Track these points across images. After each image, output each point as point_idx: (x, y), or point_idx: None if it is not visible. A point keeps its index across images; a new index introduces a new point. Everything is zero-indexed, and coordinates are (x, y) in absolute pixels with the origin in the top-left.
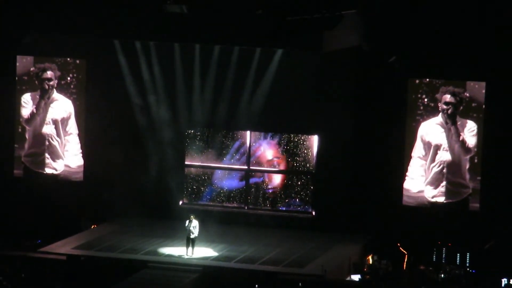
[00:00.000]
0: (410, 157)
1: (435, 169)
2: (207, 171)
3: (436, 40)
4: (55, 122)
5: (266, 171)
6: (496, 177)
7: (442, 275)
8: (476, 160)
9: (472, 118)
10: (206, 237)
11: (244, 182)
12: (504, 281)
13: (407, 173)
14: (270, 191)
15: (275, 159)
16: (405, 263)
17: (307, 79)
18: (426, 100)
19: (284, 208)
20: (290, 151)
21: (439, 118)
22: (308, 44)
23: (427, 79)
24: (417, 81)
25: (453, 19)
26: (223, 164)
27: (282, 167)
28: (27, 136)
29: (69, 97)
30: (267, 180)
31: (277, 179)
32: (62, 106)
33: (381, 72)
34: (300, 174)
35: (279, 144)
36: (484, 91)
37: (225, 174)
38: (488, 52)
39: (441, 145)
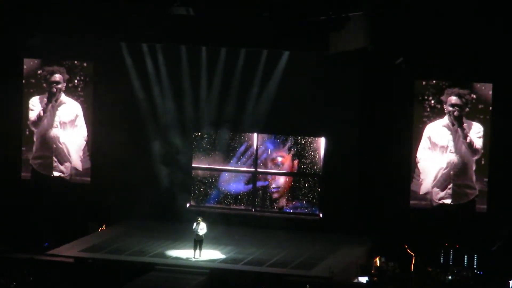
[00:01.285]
0: (416, 159)
1: (442, 171)
2: (214, 173)
3: (443, 41)
4: (62, 125)
5: (273, 173)
6: (503, 179)
7: (450, 277)
8: (483, 161)
9: (479, 120)
10: (213, 239)
11: (249, 186)
12: (511, 282)
13: (413, 175)
14: (275, 189)
15: (279, 157)
16: (412, 265)
17: (314, 81)
18: (432, 101)
19: (291, 210)
20: (297, 153)
21: (445, 120)
22: (315, 45)
23: (434, 81)
24: (423, 83)
25: (460, 20)
26: (230, 166)
27: (286, 166)
28: (35, 139)
29: (76, 100)
30: (271, 179)
31: (282, 180)
32: (70, 108)
33: (388, 73)
34: (307, 176)
35: (283, 143)
36: (491, 92)
37: (232, 177)
38: (495, 53)
39: (447, 147)
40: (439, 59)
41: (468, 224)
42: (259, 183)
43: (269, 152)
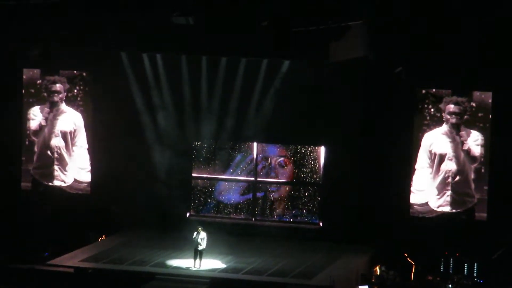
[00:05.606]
0: (415, 167)
1: (440, 179)
2: (214, 182)
3: (442, 50)
4: (63, 134)
5: (273, 183)
6: (504, 187)
7: (450, 286)
8: (483, 170)
9: (478, 128)
10: (213, 248)
11: (245, 196)
12: None
13: (413, 183)
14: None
15: (281, 157)
16: (412, 273)
17: (314, 90)
18: (432, 110)
19: (291, 219)
20: (297, 162)
21: (443, 128)
22: (315, 55)
23: (434, 89)
24: (423, 91)
25: (459, 28)
26: (230, 175)
27: (289, 168)
28: (35, 149)
29: (76, 109)
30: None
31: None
32: (70, 118)
33: (388, 82)
34: (307, 185)
35: (285, 149)
36: (490, 100)
37: (228, 187)
38: (494, 62)
39: (446, 154)
40: (438, 68)
41: (468, 232)
42: (257, 194)
43: (269, 160)
